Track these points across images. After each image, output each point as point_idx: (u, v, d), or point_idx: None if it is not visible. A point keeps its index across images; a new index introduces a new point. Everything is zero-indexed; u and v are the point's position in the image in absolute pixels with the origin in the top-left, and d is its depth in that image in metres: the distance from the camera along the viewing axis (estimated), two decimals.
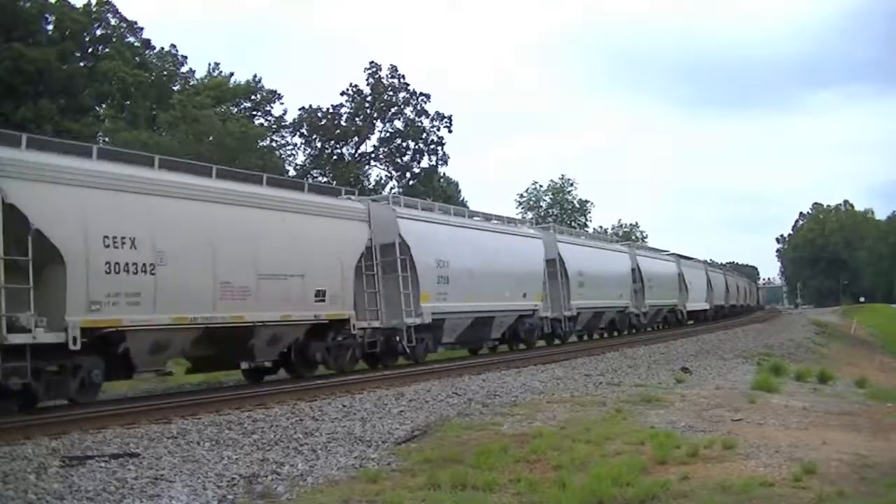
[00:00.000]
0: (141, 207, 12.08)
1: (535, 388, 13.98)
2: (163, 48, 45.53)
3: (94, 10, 40.95)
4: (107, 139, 35.09)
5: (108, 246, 11.39)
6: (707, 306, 45.67)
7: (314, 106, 51.13)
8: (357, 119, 51.96)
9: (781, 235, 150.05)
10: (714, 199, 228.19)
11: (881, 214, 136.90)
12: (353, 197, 18.16)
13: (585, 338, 30.19)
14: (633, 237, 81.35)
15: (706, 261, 53.97)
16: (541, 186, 75.38)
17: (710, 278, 47.40)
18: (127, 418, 10.41)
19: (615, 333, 31.54)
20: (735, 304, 56.87)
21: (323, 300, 15.32)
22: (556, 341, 25.94)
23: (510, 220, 26.24)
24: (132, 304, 11.67)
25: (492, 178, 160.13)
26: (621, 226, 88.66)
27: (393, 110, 52.48)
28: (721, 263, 57.81)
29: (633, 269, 33.03)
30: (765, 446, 8.40)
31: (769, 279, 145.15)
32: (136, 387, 15.31)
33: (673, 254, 42.54)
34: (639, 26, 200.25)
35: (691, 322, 42.08)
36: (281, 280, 14.48)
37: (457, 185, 63.66)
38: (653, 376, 16.05)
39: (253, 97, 50.57)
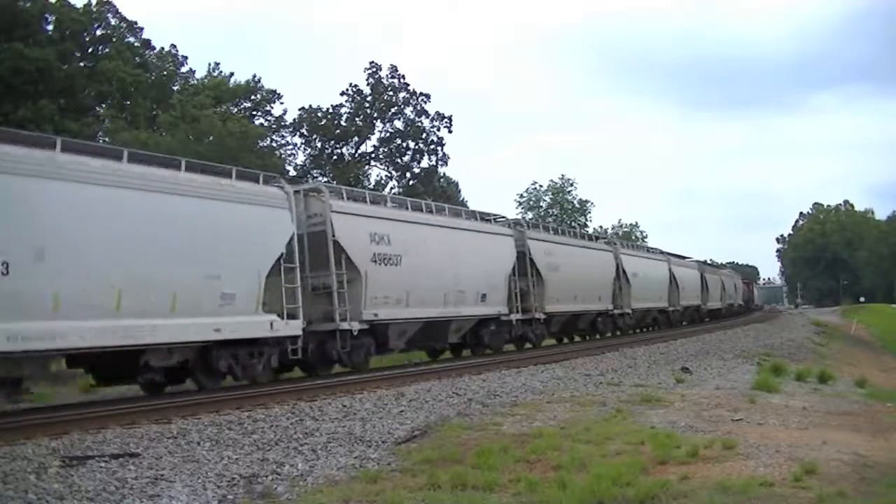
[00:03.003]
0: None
1: (535, 388, 13.98)
2: (163, 48, 45.51)
3: (94, 10, 40.85)
4: (107, 139, 35.05)
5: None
6: (667, 306, 37.83)
7: (314, 106, 51.12)
8: (357, 119, 51.91)
9: (781, 235, 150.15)
10: (714, 198, 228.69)
11: (881, 214, 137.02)
12: None
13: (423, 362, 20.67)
14: (633, 237, 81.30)
15: (705, 261, 50.76)
16: (541, 186, 75.35)
17: (674, 273, 38.87)
18: (127, 418, 10.42)
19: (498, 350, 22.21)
20: (721, 303, 50.39)
21: None
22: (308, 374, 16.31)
23: (206, 168, 14.21)
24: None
25: (492, 178, 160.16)
26: (621, 226, 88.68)
27: (393, 110, 52.43)
28: (691, 258, 49.77)
29: (523, 255, 23.49)
30: (765, 446, 8.41)
31: (769, 279, 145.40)
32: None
33: (607, 241, 34.49)
34: (639, 26, 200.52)
35: (652, 328, 35.98)
36: None
37: (457, 185, 63.74)
38: (653, 376, 16.05)
39: (253, 97, 50.50)
